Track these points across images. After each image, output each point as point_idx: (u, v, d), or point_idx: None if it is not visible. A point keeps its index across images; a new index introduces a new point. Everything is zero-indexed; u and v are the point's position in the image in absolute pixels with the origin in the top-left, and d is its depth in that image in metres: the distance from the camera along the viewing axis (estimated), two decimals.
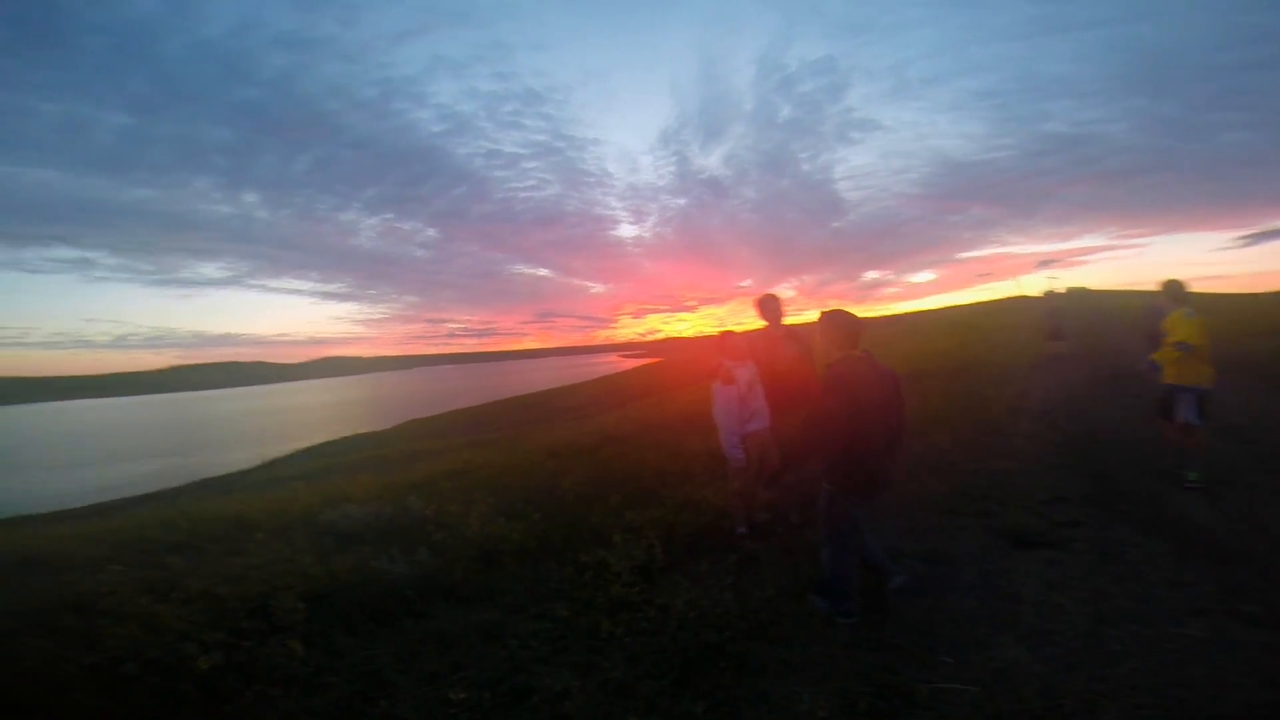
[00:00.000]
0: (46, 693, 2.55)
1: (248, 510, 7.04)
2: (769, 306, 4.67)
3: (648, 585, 3.41)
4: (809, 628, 2.91)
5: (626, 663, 2.70)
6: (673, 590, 3.28)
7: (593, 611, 3.16)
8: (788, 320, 4.72)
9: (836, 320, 2.91)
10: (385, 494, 6.68)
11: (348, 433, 38.88)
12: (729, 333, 4.32)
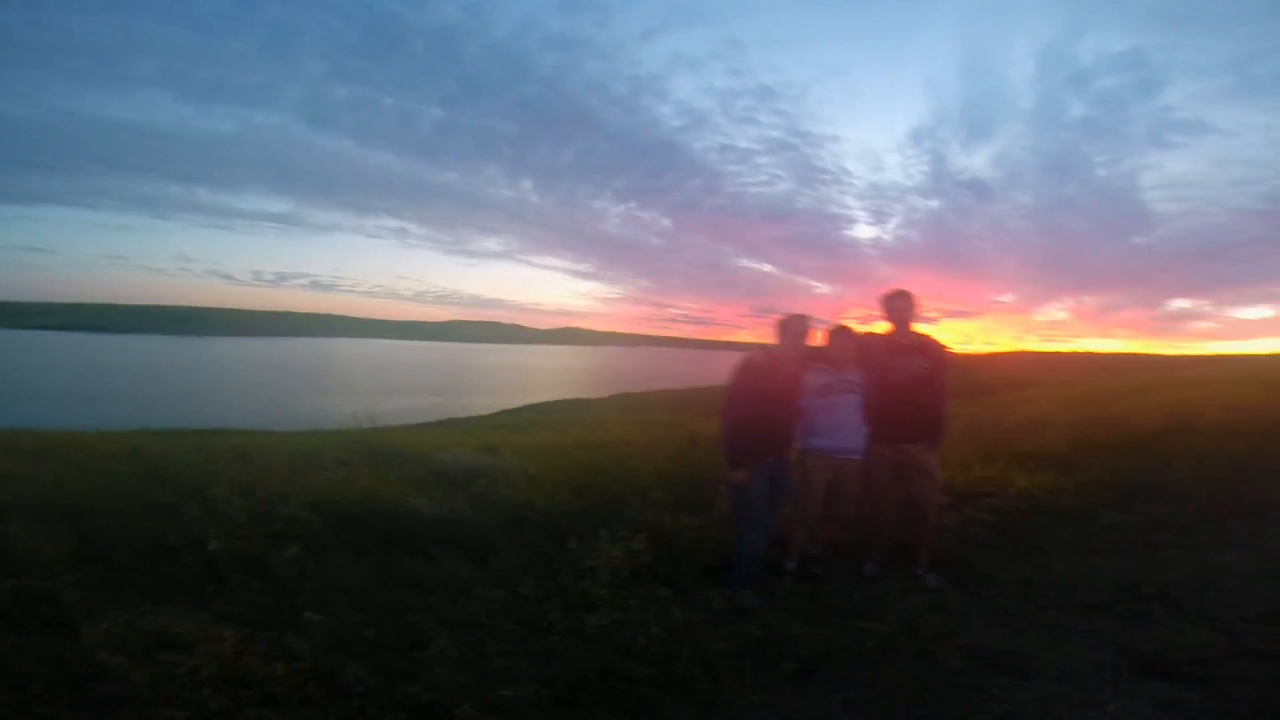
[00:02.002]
0: (118, 555, 3.29)
1: (405, 442, 8.05)
2: (896, 306, 3.81)
3: (630, 588, 3.16)
4: (744, 693, 2.47)
5: (537, 657, 2.57)
6: (645, 604, 2.99)
7: (553, 598, 3.04)
8: (920, 326, 3.89)
9: (784, 324, 3.66)
10: (499, 447, 7.16)
11: (569, 395, 43.19)
12: (842, 328, 3.76)
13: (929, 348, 3.78)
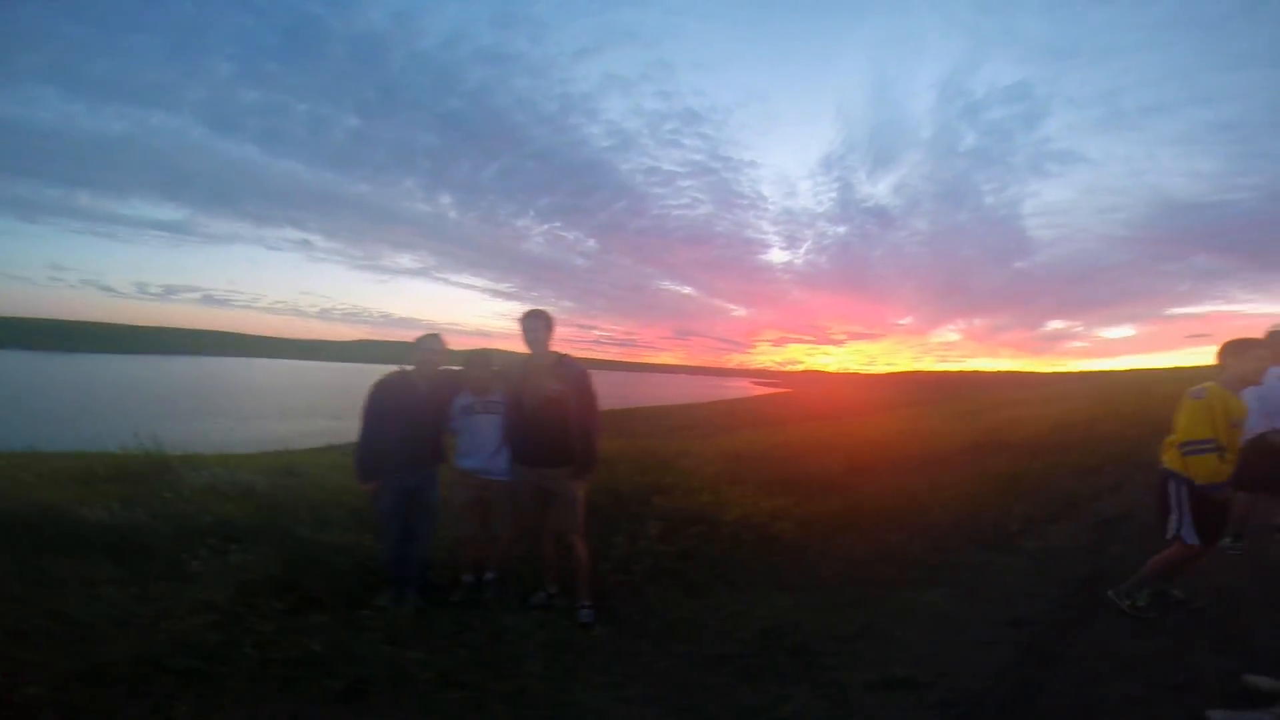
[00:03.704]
0: None
1: (197, 459, 7.95)
2: (529, 327, 3.80)
3: (248, 596, 3.39)
4: (276, 701, 2.65)
5: (97, 641, 2.83)
6: (244, 609, 3.22)
7: (165, 598, 3.28)
8: (559, 349, 3.89)
9: (416, 343, 3.93)
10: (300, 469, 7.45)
11: None
12: (479, 351, 4.03)
13: (564, 370, 3.78)
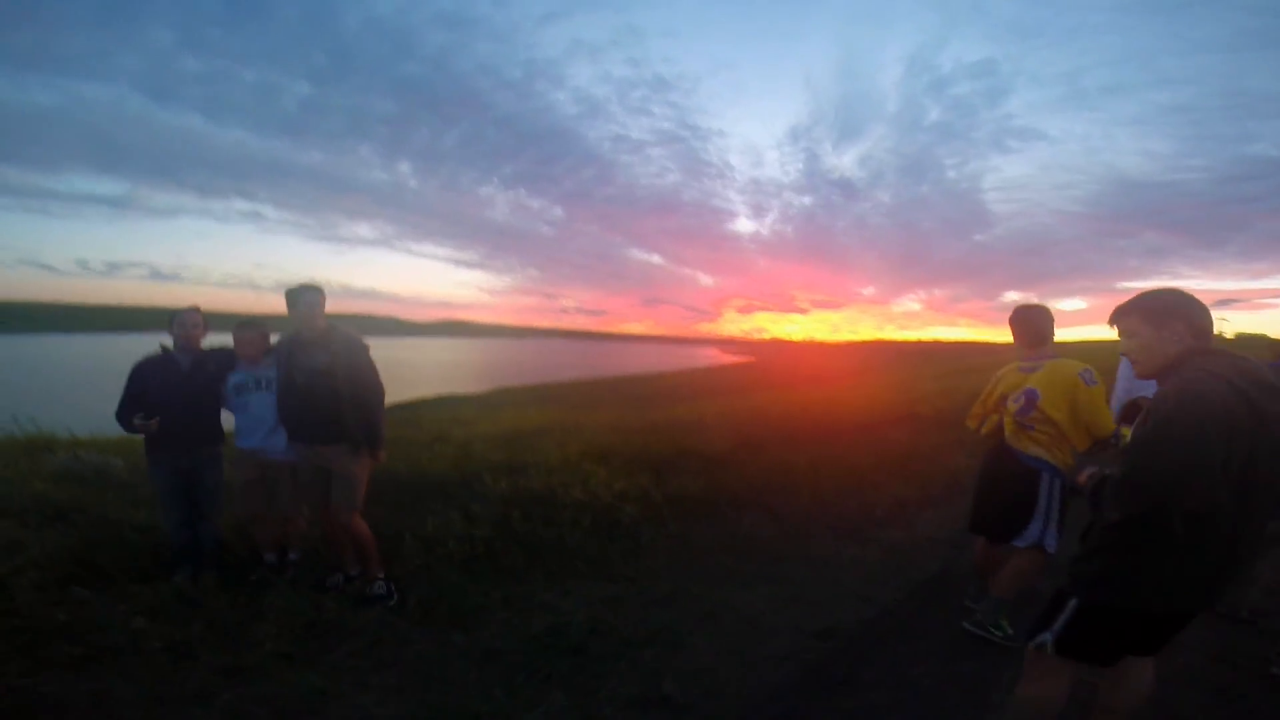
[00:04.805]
0: None
1: (81, 441, 7.38)
2: (298, 300, 3.61)
3: (53, 571, 3.41)
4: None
5: None
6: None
7: None
8: (327, 319, 3.70)
9: (172, 318, 3.78)
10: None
11: (446, 391, 41.22)
12: (244, 323, 3.88)
13: (333, 342, 3.65)
